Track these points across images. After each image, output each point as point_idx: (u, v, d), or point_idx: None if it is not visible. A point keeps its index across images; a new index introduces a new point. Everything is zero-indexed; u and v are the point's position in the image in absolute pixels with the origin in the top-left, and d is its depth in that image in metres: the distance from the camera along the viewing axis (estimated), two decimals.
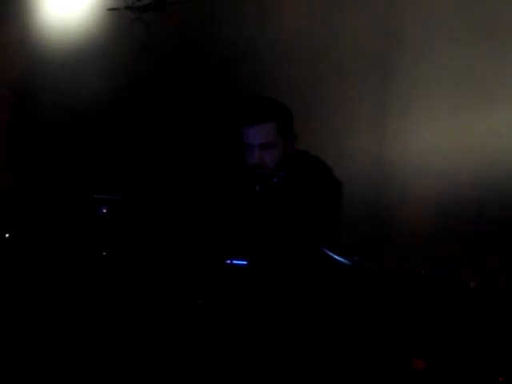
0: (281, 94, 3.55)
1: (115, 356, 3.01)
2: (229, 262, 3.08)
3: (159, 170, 5.21)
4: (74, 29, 5.62)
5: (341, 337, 2.74)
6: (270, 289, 2.84)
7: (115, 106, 5.42)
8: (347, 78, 4.69)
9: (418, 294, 2.73)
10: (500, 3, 4.27)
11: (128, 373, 2.99)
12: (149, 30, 5.27)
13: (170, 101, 5.26)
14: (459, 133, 4.32)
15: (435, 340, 2.68)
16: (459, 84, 4.35)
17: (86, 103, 5.48)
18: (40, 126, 5.72)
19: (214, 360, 2.87)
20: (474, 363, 2.64)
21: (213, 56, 5.14)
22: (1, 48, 5.82)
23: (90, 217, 3.32)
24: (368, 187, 4.54)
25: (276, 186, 3.28)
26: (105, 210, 3.29)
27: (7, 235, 3.39)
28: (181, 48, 5.27)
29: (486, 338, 2.67)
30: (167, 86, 5.27)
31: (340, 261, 2.89)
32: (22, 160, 5.78)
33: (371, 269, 2.90)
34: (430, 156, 4.39)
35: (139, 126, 5.35)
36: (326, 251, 2.91)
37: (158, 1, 5.28)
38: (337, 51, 4.72)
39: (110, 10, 5.47)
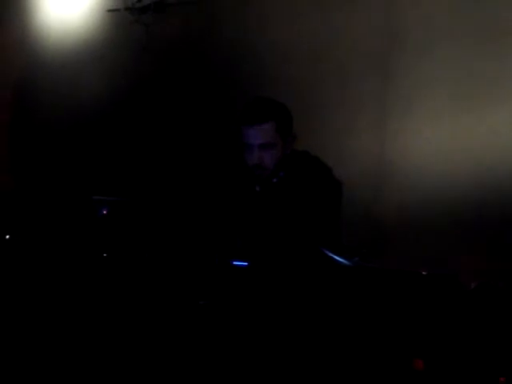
0: (281, 95, 3.56)
1: (117, 357, 3.01)
2: (229, 262, 3.07)
3: (159, 171, 5.20)
4: (74, 30, 5.61)
5: (341, 337, 2.74)
6: (271, 290, 2.84)
7: (115, 107, 5.42)
8: (347, 78, 4.68)
9: (419, 294, 2.72)
10: (500, 4, 4.27)
11: (130, 374, 2.99)
12: (148, 31, 5.27)
13: (169, 102, 5.26)
14: (459, 133, 4.31)
15: (435, 340, 2.67)
16: (460, 84, 4.35)
17: (85, 104, 5.48)
18: (40, 126, 5.72)
19: (216, 361, 2.87)
20: (475, 364, 2.64)
21: (213, 57, 5.14)
22: (0, 49, 5.82)
23: (89, 218, 3.32)
24: (368, 187, 4.54)
25: (276, 187, 3.28)
26: (105, 212, 3.29)
27: (7, 237, 3.38)
28: (181, 49, 5.26)
29: (486, 339, 2.67)
30: (167, 87, 5.27)
31: (340, 261, 2.89)
32: (22, 161, 5.77)
33: (371, 269, 2.90)
34: (430, 156, 4.39)
35: (139, 128, 5.35)
36: (326, 252, 2.91)
37: (158, 2, 5.28)
38: (337, 51, 4.72)
39: (109, 11, 5.47)
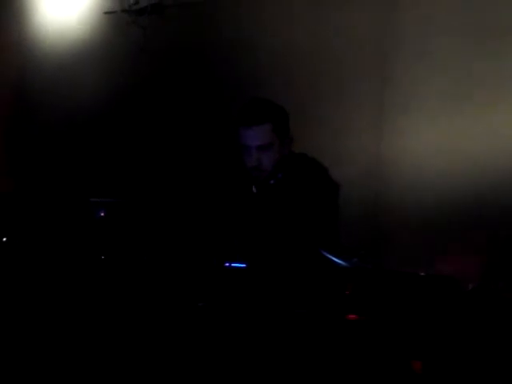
0: (279, 95, 3.56)
1: (115, 359, 3.01)
2: (227, 264, 3.07)
3: (157, 173, 5.20)
4: (71, 32, 5.61)
5: (340, 338, 2.74)
6: (269, 291, 2.84)
7: (113, 109, 5.41)
8: (346, 78, 4.68)
9: (417, 295, 2.72)
10: (500, 3, 4.26)
11: (128, 376, 2.98)
12: (145, 33, 5.26)
13: (167, 103, 5.26)
14: (458, 133, 4.30)
15: (434, 342, 2.67)
16: (458, 84, 4.34)
17: (83, 106, 5.48)
18: (37, 128, 5.71)
19: (215, 362, 2.86)
20: (473, 366, 2.64)
21: (210, 58, 5.13)
22: None
23: (87, 220, 3.31)
24: (367, 188, 4.53)
25: (273, 188, 3.28)
26: (102, 214, 3.28)
27: (4, 239, 3.38)
28: (178, 51, 5.26)
29: (485, 340, 2.66)
30: (165, 89, 5.26)
31: (339, 263, 2.89)
32: (20, 162, 5.77)
33: (370, 270, 2.90)
34: (428, 156, 4.38)
35: (136, 129, 5.34)
36: (325, 253, 2.90)
37: (155, 4, 5.27)
38: (335, 51, 4.71)
39: (106, 13, 5.46)
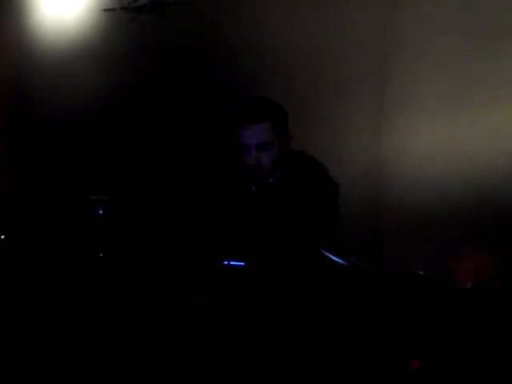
0: (279, 95, 3.56)
1: (113, 358, 3.00)
2: (226, 263, 3.07)
3: (156, 171, 5.20)
4: (70, 30, 5.60)
5: (338, 337, 2.73)
6: (267, 290, 2.83)
7: (112, 107, 5.41)
8: (346, 78, 4.68)
9: (416, 294, 2.72)
10: (500, 3, 4.26)
11: (127, 375, 2.98)
12: (145, 30, 5.26)
13: (166, 101, 5.26)
14: (458, 133, 4.30)
15: (433, 341, 2.66)
16: (458, 84, 4.34)
17: (82, 103, 5.48)
18: (36, 126, 5.71)
19: (213, 361, 2.86)
20: (471, 365, 2.63)
21: (209, 56, 5.13)
22: None
23: (86, 218, 3.31)
24: (366, 187, 4.53)
25: (272, 187, 3.29)
26: (101, 212, 3.28)
27: (3, 237, 3.38)
28: (177, 48, 5.26)
29: (483, 340, 2.66)
30: (164, 87, 5.26)
31: (338, 261, 2.89)
32: (19, 161, 5.77)
33: (369, 269, 2.90)
34: (429, 156, 4.38)
35: (135, 127, 5.34)
36: (324, 252, 2.90)
37: (154, 1, 5.28)
38: (335, 51, 4.71)
39: (105, 10, 5.46)
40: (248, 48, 4.97)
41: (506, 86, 4.22)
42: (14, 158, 5.81)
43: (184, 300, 2.94)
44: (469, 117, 4.28)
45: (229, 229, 3.30)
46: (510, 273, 3.83)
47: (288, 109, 3.46)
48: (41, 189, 5.45)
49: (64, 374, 3.06)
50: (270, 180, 3.30)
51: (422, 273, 2.77)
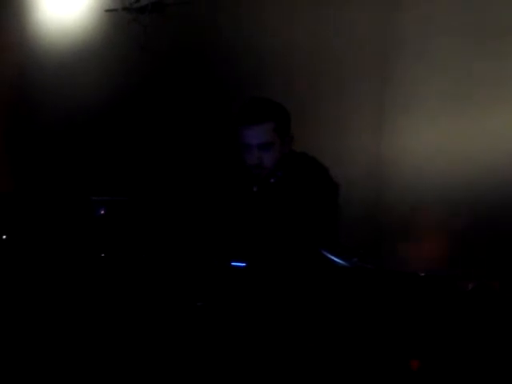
0: (279, 95, 3.56)
1: (114, 358, 3.00)
2: (227, 263, 3.07)
3: (157, 171, 5.20)
4: (72, 30, 5.60)
5: (339, 338, 2.74)
6: (268, 290, 2.84)
7: (113, 107, 5.41)
8: (346, 78, 4.68)
9: (416, 295, 2.72)
10: (500, 3, 4.26)
11: (127, 375, 2.98)
12: (146, 31, 5.26)
13: (168, 102, 5.25)
14: (458, 133, 4.31)
15: (433, 342, 2.67)
16: (458, 84, 4.34)
17: (83, 104, 5.47)
18: (37, 126, 5.70)
19: (214, 362, 2.86)
20: (471, 365, 2.64)
21: (211, 57, 5.13)
22: None
23: (87, 218, 3.31)
24: (367, 188, 4.53)
25: (273, 187, 3.28)
26: (102, 212, 3.28)
27: (4, 237, 3.38)
28: (179, 49, 5.25)
29: (483, 340, 2.66)
30: (165, 87, 5.26)
31: (338, 262, 2.89)
32: (20, 161, 5.76)
33: (370, 270, 2.90)
34: (429, 156, 4.38)
35: (137, 127, 5.34)
36: (324, 252, 2.90)
37: (156, 2, 5.27)
38: (335, 51, 4.71)
39: (107, 11, 5.45)
40: (248, 48, 4.96)
41: (506, 85, 4.23)
42: (15, 157, 5.80)
43: (185, 300, 2.94)
44: (469, 117, 4.29)
45: (230, 229, 3.29)
46: (510, 273, 3.85)
47: (288, 109, 3.45)
48: (42, 189, 5.44)
49: (65, 374, 3.07)
50: (272, 180, 3.30)
51: (422, 274, 2.78)
